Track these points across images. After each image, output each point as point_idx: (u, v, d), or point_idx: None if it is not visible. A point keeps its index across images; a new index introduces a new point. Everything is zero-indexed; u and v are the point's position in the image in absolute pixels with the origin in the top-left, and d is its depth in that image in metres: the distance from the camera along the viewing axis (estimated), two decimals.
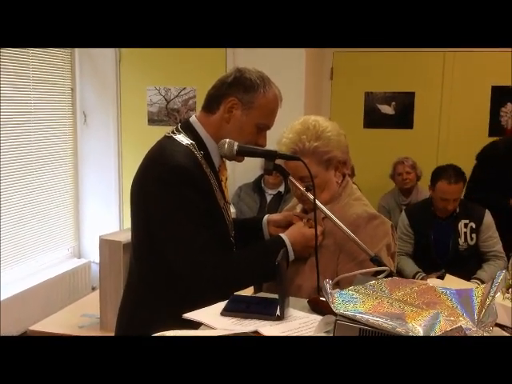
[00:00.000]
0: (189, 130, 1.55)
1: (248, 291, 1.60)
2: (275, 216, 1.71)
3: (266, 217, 1.72)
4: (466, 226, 3.22)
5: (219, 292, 1.36)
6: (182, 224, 1.44)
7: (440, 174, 3.25)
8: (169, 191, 1.44)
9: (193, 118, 1.58)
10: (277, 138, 1.63)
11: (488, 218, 3.23)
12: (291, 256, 1.52)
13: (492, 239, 3.23)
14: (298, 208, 1.70)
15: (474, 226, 3.21)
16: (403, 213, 3.45)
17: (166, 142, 1.53)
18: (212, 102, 1.55)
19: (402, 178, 4.04)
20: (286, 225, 1.63)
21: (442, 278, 2.93)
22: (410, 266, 3.25)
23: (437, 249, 3.25)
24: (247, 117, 1.51)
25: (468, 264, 3.18)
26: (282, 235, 1.55)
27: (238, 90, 1.51)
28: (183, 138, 1.52)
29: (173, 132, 1.55)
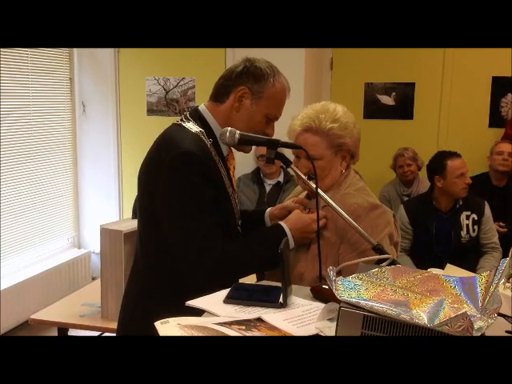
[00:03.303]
0: (198, 118, 1.55)
1: (250, 280, 1.60)
2: (275, 209, 1.72)
3: (268, 211, 1.73)
4: (467, 217, 3.20)
5: (220, 280, 1.36)
6: (187, 210, 1.44)
7: (442, 157, 3.21)
8: (176, 177, 1.44)
9: (202, 107, 1.58)
10: (278, 129, 1.63)
11: (487, 209, 3.23)
12: (291, 244, 1.52)
13: (491, 231, 3.23)
14: (302, 196, 1.70)
15: (475, 218, 3.20)
16: (402, 209, 3.38)
17: (176, 129, 1.53)
18: (221, 92, 1.55)
19: (403, 171, 4.03)
20: (286, 216, 1.63)
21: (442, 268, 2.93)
22: (407, 265, 3.23)
23: (439, 243, 3.22)
24: (257, 106, 1.53)
25: (469, 256, 3.16)
26: (280, 223, 1.55)
27: (248, 79, 1.52)
28: (192, 126, 1.52)
29: (181, 120, 1.56)
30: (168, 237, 1.47)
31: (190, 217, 1.43)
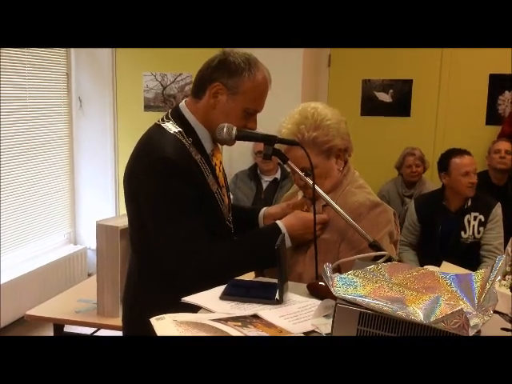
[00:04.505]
0: (178, 116, 1.53)
1: (248, 276, 1.60)
2: (273, 209, 1.71)
3: (264, 210, 1.71)
4: (475, 218, 3.15)
5: (209, 280, 1.33)
6: (168, 215, 1.43)
7: (448, 154, 3.20)
8: (155, 182, 1.43)
9: (182, 104, 1.56)
10: (275, 126, 1.61)
11: (497, 210, 3.15)
12: (288, 243, 1.51)
13: (493, 232, 3.15)
14: (300, 195, 1.70)
15: (482, 219, 3.14)
16: (412, 205, 3.37)
17: (155, 132, 1.52)
18: (198, 87, 1.52)
19: (411, 171, 3.95)
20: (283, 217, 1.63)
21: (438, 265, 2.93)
22: (409, 259, 3.22)
23: (443, 242, 3.19)
24: (233, 102, 1.48)
25: (471, 258, 3.11)
26: (277, 222, 1.54)
27: (223, 74, 1.47)
28: (171, 126, 1.50)
29: (162, 120, 1.54)
30: (152, 240, 1.47)
31: (170, 220, 1.43)
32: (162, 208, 1.44)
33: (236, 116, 1.49)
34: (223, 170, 1.63)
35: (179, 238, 1.42)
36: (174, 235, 1.42)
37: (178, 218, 1.42)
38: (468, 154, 3.18)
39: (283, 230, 1.51)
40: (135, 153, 1.53)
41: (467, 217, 3.16)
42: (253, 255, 1.50)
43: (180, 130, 1.49)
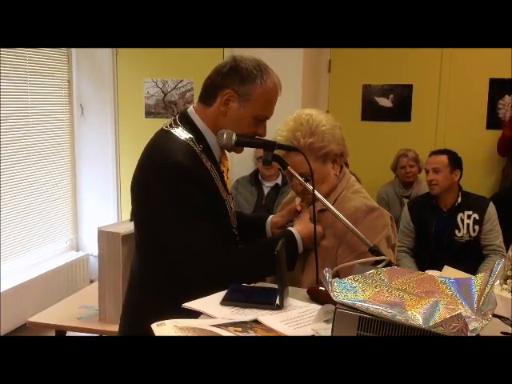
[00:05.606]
0: (187, 122, 1.51)
1: None
2: (275, 218, 1.72)
3: (270, 219, 1.72)
4: (469, 217, 3.18)
5: (224, 283, 1.32)
6: (182, 221, 1.42)
7: None
8: (168, 189, 1.42)
9: (190, 110, 1.54)
10: (274, 131, 1.62)
11: (492, 209, 3.19)
12: (300, 248, 1.52)
13: (493, 233, 3.18)
14: (297, 200, 1.70)
15: (477, 218, 3.18)
16: (406, 208, 3.43)
17: (164, 137, 1.49)
18: (208, 94, 1.51)
19: (405, 172, 4.00)
20: (286, 224, 1.64)
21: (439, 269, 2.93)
22: (408, 267, 3.23)
23: (437, 242, 3.22)
24: (244, 109, 1.47)
25: (468, 256, 3.13)
26: (291, 229, 1.54)
27: (234, 81, 1.46)
28: (181, 132, 1.48)
29: (170, 125, 1.51)
30: (165, 247, 1.45)
31: (184, 227, 1.41)
32: (172, 213, 1.42)
33: (247, 123, 1.49)
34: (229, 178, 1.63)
35: (195, 244, 1.41)
36: (190, 242, 1.41)
37: (192, 223, 1.41)
38: (435, 153, 3.37)
39: (297, 236, 1.51)
40: (144, 159, 1.50)
41: (460, 215, 3.19)
42: (267, 261, 1.48)
43: (191, 136, 1.47)
